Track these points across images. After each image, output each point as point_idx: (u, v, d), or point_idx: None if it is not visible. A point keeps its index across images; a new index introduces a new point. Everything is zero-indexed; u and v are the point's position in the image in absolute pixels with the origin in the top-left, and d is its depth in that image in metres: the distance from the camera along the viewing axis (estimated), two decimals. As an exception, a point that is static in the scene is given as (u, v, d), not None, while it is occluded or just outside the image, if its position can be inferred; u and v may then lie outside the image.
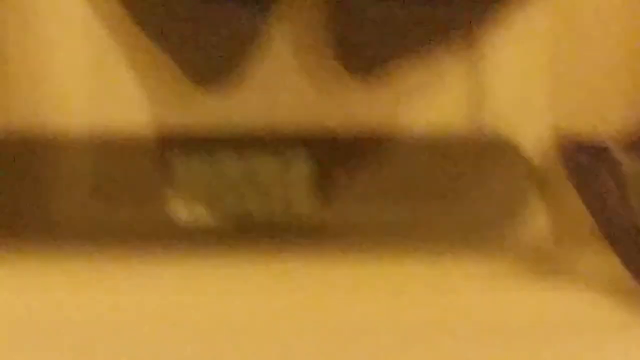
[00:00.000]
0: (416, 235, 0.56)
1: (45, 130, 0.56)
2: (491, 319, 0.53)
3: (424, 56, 0.52)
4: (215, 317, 0.53)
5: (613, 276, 0.53)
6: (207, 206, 0.55)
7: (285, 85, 0.56)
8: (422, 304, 0.54)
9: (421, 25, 0.48)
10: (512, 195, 0.55)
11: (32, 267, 0.55)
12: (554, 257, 0.56)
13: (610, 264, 0.53)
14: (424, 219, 0.55)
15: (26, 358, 0.50)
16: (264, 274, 0.55)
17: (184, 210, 0.55)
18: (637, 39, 0.57)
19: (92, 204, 0.55)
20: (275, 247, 0.56)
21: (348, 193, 0.55)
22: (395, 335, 0.52)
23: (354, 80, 0.54)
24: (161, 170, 0.55)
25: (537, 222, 0.56)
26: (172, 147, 0.55)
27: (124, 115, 0.56)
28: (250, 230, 0.55)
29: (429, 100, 0.56)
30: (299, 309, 0.53)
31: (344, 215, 0.55)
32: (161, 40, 0.53)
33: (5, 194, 0.55)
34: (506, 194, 0.55)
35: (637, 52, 0.57)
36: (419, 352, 0.52)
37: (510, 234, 0.56)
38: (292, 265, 0.56)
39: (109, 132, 0.56)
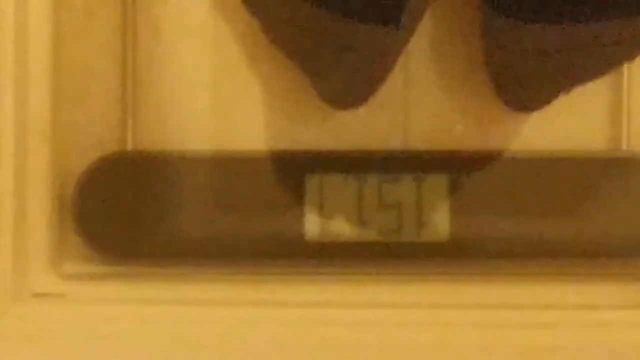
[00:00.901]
0: (550, 253, 0.54)
1: (178, 147, 0.55)
2: (617, 341, 0.52)
3: (578, 83, 0.51)
4: (343, 333, 0.52)
5: None
6: (341, 224, 0.54)
7: (421, 103, 0.55)
8: (549, 324, 0.53)
9: (581, 53, 0.47)
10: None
11: (156, 283, 0.55)
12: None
13: None
14: (560, 237, 0.54)
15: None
16: (395, 291, 0.55)
17: (316, 227, 0.54)
18: None
19: (222, 220, 0.54)
20: (408, 265, 0.55)
21: (483, 212, 0.54)
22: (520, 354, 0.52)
23: (506, 107, 0.53)
24: (295, 188, 0.54)
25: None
26: (307, 164, 0.54)
27: (256, 132, 0.55)
28: (384, 249, 0.54)
29: (569, 118, 0.55)
30: (428, 324, 0.53)
31: (478, 234, 0.54)
32: (293, 57, 0.52)
33: (131, 212, 0.54)
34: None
35: None
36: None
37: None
38: (424, 283, 0.55)
39: (239, 149, 0.55)
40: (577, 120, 0.55)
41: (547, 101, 0.52)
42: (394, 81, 0.54)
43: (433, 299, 0.54)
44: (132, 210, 0.54)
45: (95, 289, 0.55)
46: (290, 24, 0.49)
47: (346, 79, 0.51)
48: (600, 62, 0.49)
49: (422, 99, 0.55)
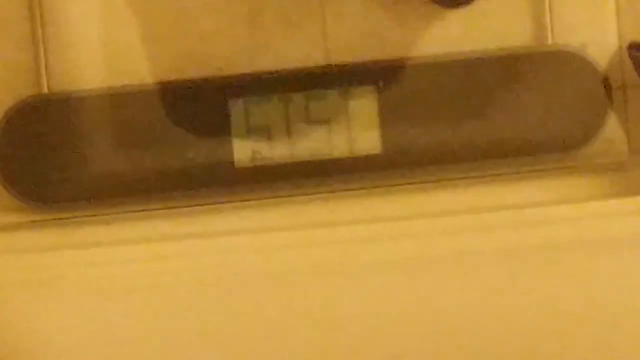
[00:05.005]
0: (484, 155, 0.54)
1: (94, 85, 0.54)
2: (565, 233, 0.52)
3: None
4: (281, 257, 0.51)
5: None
6: (270, 147, 0.53)
7: (338, 14, 0.53)
8: (495, 222, 0.52)
9: None
10: (583, 106, 0.53)
11: (85, 226, 0.54)
12: (629, 165, 0.54)
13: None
14: (494, 137, 0.53)
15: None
16: (331, 209, 0.54)
17: (246, 153, 0.53)
18: None
19: (149, 155, 0.53)
20: (341, 181, 0.54)
21: (414, 120, 0.53)
22: (464, 257, 0.51)
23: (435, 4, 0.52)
24: (220, 115, 0.53)
25: (610, 130, 0.54)
26: (230, 89, 0.53)
27: (174, 61, 0.54)
28: (316, 167, 0.53)
29: (494, 16, 0.54)
30: (366, 239, 0.52)
31: (411, 143, 0.53)
32: None
33: (53, 155, 0.53)
34: (578, 105, 0.53)
35: None
36: (494, 268, 0.51)
37: (584, 145, 0.54)
38: (359, 198, 0.54)
39: (159, 81, 0.54)
40: (502, 19, 0.54)
41: None
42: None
43: (369, 213, 0.54)
44: (53, 154, 0.53)
45: (21, 236, 0.53)
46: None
47: None
48: None
49: (339, 10, 0.53)
